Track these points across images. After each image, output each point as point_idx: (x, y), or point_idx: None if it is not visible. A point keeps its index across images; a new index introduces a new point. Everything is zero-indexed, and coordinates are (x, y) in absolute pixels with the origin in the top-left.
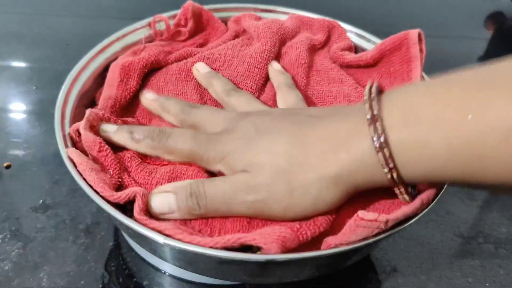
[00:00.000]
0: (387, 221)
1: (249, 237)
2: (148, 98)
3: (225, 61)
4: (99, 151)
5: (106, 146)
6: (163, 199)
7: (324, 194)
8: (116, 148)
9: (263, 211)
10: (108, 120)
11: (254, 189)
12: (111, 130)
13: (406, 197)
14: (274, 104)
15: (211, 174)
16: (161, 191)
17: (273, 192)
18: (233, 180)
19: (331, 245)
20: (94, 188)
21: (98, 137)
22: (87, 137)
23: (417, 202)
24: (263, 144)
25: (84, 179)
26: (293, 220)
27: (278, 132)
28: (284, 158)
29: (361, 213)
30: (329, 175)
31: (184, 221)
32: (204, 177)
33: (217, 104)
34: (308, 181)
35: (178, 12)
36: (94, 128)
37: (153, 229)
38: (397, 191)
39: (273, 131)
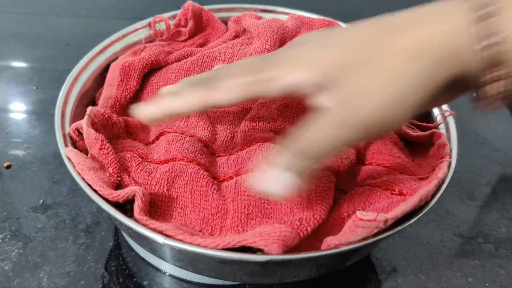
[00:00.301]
0: (386, 220)
1: (250, 240)
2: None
3: (224, 60)
4: (100, 149)
5: (108, 145)
6: (272, 179)
7: (404, 68)
8: (117, 149)
9: (364, 115)
10: (109, 118)
11: (357, 102)
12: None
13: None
14: (276, 104)
15: (211, 172)
16: (264, 172)
17: (363, 83)
18: (331, 108)
19: (331, 245)
20: (93, 186)
21: (100, 135)
22: (90, 134)
23: (416, 199)
24: (348, 32)
25: (83, 178)
26: (389, 109)
27: (358, 25)
28: (367, 43)
29: (359, 213)
30: (410, 47)
31: (185, 221)
32: (204, 175)
33: None
34: (389, 53)
35: (178, 12)
36: (95, 125)
37: (153, 229)
38: (482, 91)
39: (352, 26)
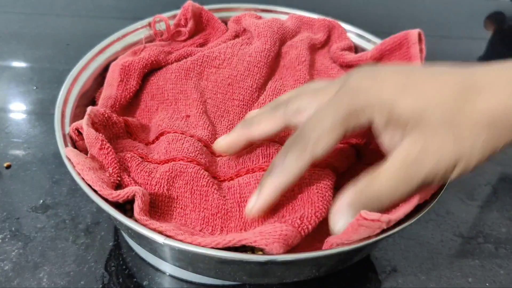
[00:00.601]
0: (389, 221)
1: (250, 239)
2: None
3: (224, 59)
4: (100, 149)
5: (108, 145)
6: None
7: (477, 135)
8: (117, 149)
9: (435, 177)
10: (109, 118)
11: (423, 160)
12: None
13: None
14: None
15: (211, 172)
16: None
17: (442, 154)
18: (396, 161)
19: (333, 245)
20: (93, 187)
21: (100, 134)
22: (90, 134)
23: (415, 200)
24: (429, 84)
25: (83, 178)
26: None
27: (439, 73)
28: (449, 105)
29: (364, 212)
30: (487, 115)
31: (185, 221)
32: (204, 175)
33: (219, 103)
34: (467, 120)
35: (178, 12)
36: (95, 125)
37: (154, 229)
38: None
39: (433, 72)
